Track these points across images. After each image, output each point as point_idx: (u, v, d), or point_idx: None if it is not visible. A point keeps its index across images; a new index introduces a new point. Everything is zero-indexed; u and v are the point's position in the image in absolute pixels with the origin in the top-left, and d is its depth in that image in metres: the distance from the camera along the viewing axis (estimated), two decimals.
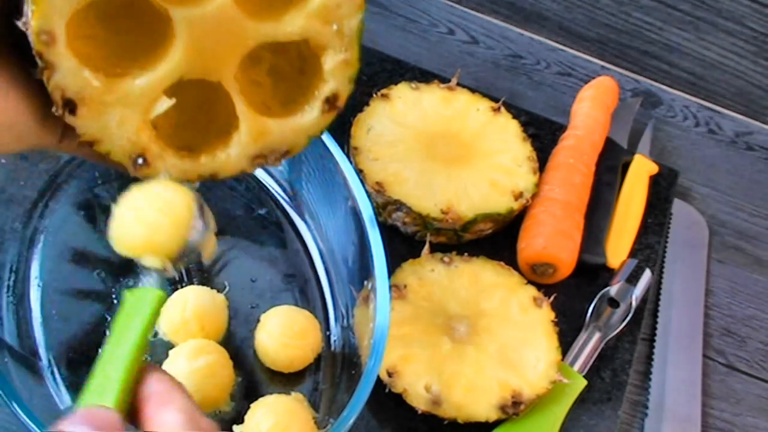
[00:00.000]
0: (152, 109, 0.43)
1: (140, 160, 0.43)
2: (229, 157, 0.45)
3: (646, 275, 0.67)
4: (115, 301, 0.58)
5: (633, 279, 0.66)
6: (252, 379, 0.57)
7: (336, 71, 0.45)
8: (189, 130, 0.46)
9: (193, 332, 0.56)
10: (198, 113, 0.46)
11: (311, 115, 0.46)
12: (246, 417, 0.52)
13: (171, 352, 0.54)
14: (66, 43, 0.39)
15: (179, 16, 0.42)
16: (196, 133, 0.46)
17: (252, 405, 0.53)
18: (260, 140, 0.45)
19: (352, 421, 0.48)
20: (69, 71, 0.40)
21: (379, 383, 0.55)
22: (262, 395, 0.54)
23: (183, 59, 0.42)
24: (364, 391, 0.49)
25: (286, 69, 0.46)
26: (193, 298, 0.56)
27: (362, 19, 0.45)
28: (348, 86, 0.46)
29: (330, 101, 0.46)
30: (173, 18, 0.42)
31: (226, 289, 0.60)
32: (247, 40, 0.43)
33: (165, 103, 0.43)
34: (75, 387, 0.53)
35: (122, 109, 0.42)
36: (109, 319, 0.57)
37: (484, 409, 0.57)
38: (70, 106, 0.41)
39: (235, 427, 0.52)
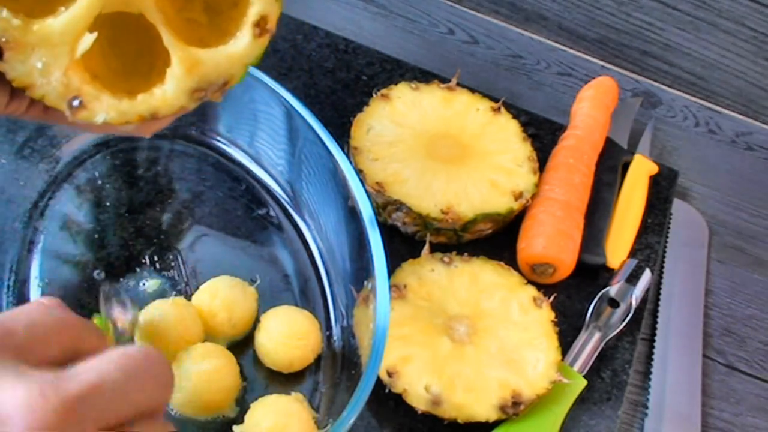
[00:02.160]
0: (77, 47, 0.42)
1: (75, 102, 0.43)
2: (165, 93, 0.44)
3: (646, 275, 0.67)
4: None
5: (633, 279, 0.66)
6: (252, 380, 0.57)
7: None
8: (131, 79, 0.45)
9: (220, 322, 0.56)
10: (138, 61, 0.46)
11: (243, 41, 0.44)
12: (246, 417, 0.52)
13: (177, 355, 0.54)
14: None
15: None
16: (138, 80, 0.45)
17: (252, 405, 0.53)
18: (194, 72, 0.44)
19: (352, 421, 0.48)
20: None
21: (379, 383, 0.55)
22: (262, 395, 0.54)
23: None
24: (364, 391, 0.49)
25: (221, 4, 0.46)
26: (224, 288, 0.57)
27: None
28: (275, 6, 0.44)
29: (260, 25, 0.44)
30: None
31: (257, 281, 0.60)
32: None
33: (88, 39, 0.42)
34: None
35: (47, 49, 0.41)
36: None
37: (484, 409, 0.57)
38: None
39: (235, 427, 0.52)
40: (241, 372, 0.56)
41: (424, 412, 0.57)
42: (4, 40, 0.40)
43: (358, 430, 0.58)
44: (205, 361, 0.53)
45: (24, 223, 0.59)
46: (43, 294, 0.57)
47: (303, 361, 0.57)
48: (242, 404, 0.55)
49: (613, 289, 0.66)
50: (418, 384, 0.57)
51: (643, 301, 0.68)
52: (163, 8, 0.44)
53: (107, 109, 0.43)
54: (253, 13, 0.44)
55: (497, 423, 0.57)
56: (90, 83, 0.43)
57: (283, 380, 0.57)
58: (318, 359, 0.58)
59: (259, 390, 0.57)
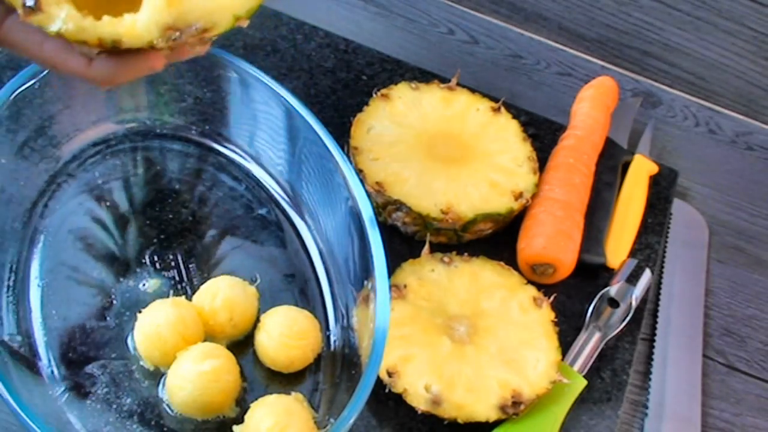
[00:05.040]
0: None
1: (30, 1, 0.38)
2: (136, 21, 0.39)
3: (646, 275, 0.67)
4: (115, 301, 0.58)
5: (633, 279, 0.66)
6: (252, 380, 0.57)
7: None
8: (106, 7, 0.41)
9: (221, 322, 0.56)
10: None
11: None
12: (246, 417, 0.52)
13: (178, 355, 0.54)
14: None
15: None
16: (114, 10, 0.40)
17: (252, 405, 0.53)
18: (175, 6, 0.39)
19: (352, 421, 0.48)
20: None
21: (379, 383, 0.55)
22: (262, 395, 0.54)
23: None
24: (364, 391, 0.49)
25: None
26: (225, 288, 0.57)
27: None
28: None
29: None
30: None
31: (258, 281, 0.60)
32: None
33: None
34: (75, 387, 0.53)
35: None
36: (108, 319, 0.57)
37: (484, 409, 0.57)
38: None
39: (235, 427, 0.52)
40: (241, 372, 0.56)
41: (424, 411, 0.57)
42: None
43: (358, 430, 0.58)
44: (205, 362, 0.53)
45: (24, 223, 0.59)
46: (43, 294, 0.57)
47: (303, 361, 0.57)
48: (242, 404, 0.55)
49: (613, 289, 0.66)
50: (418, 384, 0.57)
51: (643, 301, 0.68)
52: None
53: (66, 19, 0.38)
54: None
55: (497, 423, 0.57)
56: None
57: (283, 380, 0.57)
58: (318, 359, 0.58)
59: (259, 390, 0.57)
